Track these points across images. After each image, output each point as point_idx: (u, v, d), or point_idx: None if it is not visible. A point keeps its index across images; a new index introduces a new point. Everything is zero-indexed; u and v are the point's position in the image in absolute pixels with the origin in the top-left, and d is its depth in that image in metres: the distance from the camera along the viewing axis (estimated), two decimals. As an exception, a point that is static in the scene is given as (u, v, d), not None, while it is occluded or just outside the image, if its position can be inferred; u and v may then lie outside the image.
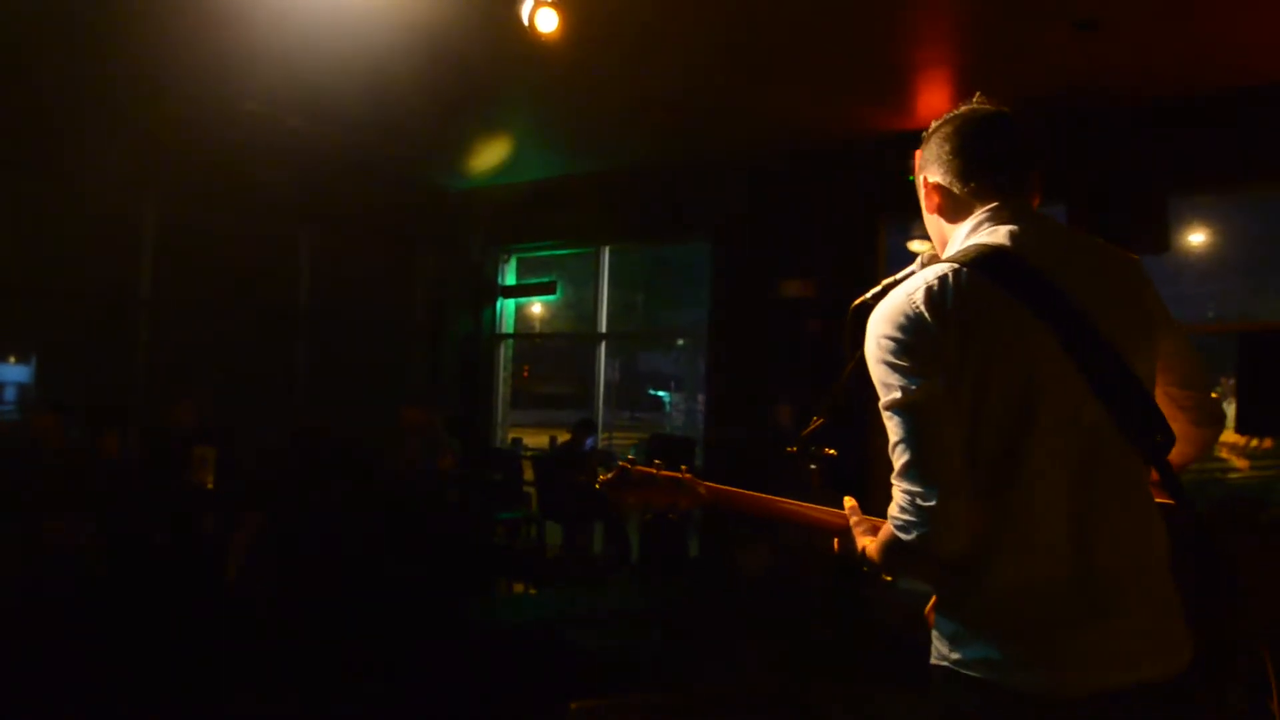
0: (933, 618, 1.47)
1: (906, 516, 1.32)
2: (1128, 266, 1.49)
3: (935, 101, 6.03)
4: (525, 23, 4.46)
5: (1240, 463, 7.07)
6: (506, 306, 8.92)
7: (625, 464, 1.78)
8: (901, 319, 1.39)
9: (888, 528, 1.38)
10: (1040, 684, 1.29)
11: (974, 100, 1.61)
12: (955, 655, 1.36)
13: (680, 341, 11.31)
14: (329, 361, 7.24)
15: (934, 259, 1.89)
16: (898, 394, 1.36)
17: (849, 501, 1.72)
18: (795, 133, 6.53)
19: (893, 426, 1.37)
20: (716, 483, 1.85)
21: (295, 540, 5.72)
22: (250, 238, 6.88)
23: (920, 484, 1.31)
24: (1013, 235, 1.45)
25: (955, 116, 1.60)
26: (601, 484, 1.77)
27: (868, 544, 1.54)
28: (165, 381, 6.52)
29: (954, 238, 1.57)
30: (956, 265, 1.41)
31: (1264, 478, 6.66)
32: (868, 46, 5.15)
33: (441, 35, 4.93)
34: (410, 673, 4.52)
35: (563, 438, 8.28)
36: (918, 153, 1.67)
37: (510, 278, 8.89)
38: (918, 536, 1.31)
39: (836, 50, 5.21)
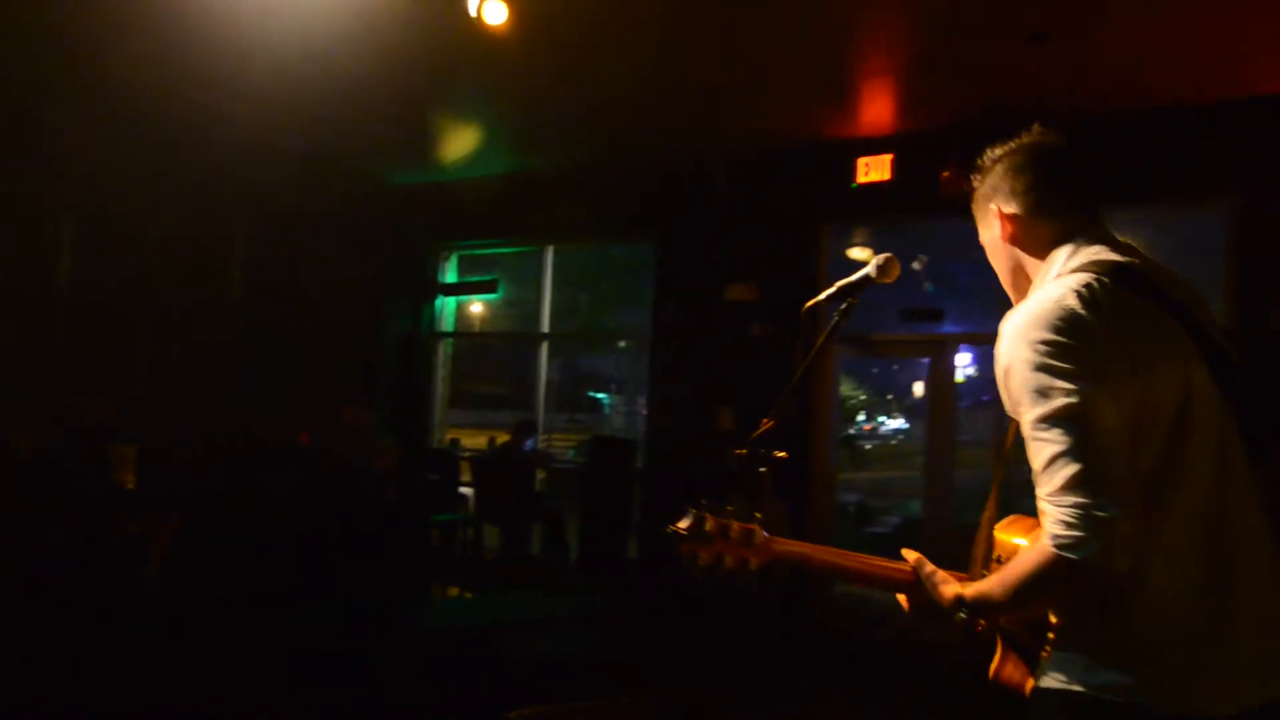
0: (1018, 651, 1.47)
1: (1077, 533, 1.23)
2: (1196, 288, 1.50)
3: (880, 111, 6.12)
4: (473, 15, 4.37)
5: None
6: (447, 304, 8.77)
7: (700, 510, 1.58)
8: (1059, 321, 1.32)
9: (1042, 552, 1.27)
10: (1188, 703, 1.27)
11: (1034, 131, 1.62)
12: (1093, 680, 1.30)
13: (622, 343, 11.26)
14: (262, 357, 7.00)
15: (890, 263, 1.90)
16: (1061, 400, 1.28)
17: (911, 554, 1.61)
18: (741, 137, 6.55)
19: (1051, 436, 1.28)
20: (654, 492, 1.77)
21: (222, 542, 5.50)
22: (180, 228, 6.60)
23: (1094, 495, 1.23)
24: (1120, 252, 1.45)
25: (1023, 148, 1.60)
26: (678, 534, 1.57)
27: (973, 586, 1.45)
28: (85, 377, 6.22)
29: (1052, 263, 1.51)
30: (1095, 274, 1.38)
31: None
32: (814, 54, 5.18)
33: (387, 25, 4.80)
34: (342, 679, 4.37)
35: (502, 438, 8.16)
36: (977, 181, 1.70)
37: (451, 275, 8.74)
38: (1093, 553, 1.22)
39: (783, 56, 5.23)
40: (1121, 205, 5.54)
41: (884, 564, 1.63)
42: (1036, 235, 1.55)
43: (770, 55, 5.22)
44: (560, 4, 4.60)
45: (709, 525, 1.59)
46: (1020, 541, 1.54)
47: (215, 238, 7.03)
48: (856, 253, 7.37)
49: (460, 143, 7.16)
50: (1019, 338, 1.35)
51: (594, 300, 10.09)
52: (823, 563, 1.64)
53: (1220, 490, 1.31)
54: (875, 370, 10.55)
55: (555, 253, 8.26)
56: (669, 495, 6.80)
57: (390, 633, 5.03)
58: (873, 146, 6.25)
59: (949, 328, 6.43)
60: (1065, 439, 1.26)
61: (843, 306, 1.95)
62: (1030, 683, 1.45)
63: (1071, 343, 1.29)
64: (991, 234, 1.64)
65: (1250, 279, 5.11)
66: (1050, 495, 1.26)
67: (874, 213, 6.56)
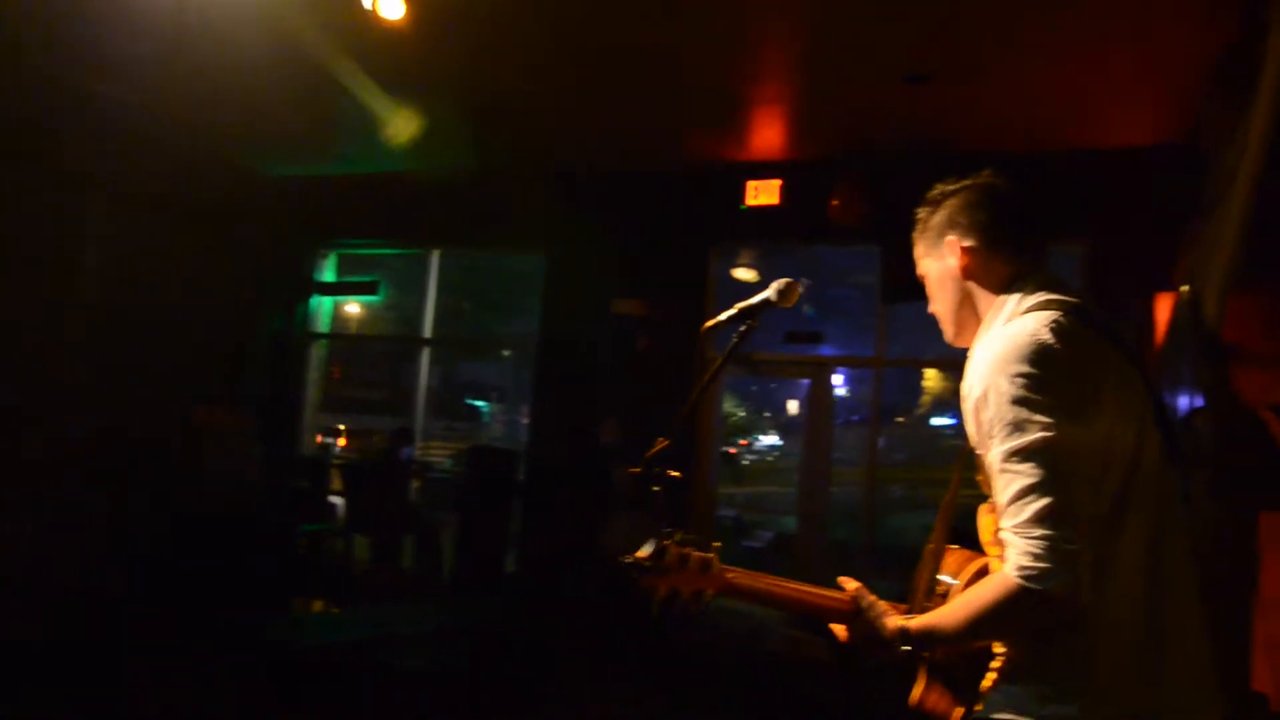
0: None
1: (1044, 564, 1.25)
2: (1148, 317, 1.59)
3: (770, 137, 6.27)
4: (368, 7, 4.22)
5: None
6: (323, 304, 8.41)
7: (665, 541, 1.58)
8: (1036, 355, 1.34)
9: (1005, 583, 1.30)
10: None
11: (985, 174, 1.67)
12: (1041, 712, 1.32)
13: (506, 352, 11.10)
14: (120, 355, 6.49)
15: (790, 288, 1.92)
16: (1036, 434, 1.30)
17: (850, 584, 1.62)
18: (635, 153, 6.58)
19: (1023, 469, 1.30)
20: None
21: (72, 552, 5.07)
22: (29, 218, 6.06)
23: (1061, 528, 1.26)
24: (1071, 293, 1.49)
25: (980, 186, 1.65)
26: (640, 566, 1.55)
27: (920, 619, 1.47)
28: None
29: (1006, 300, 1.54)
30: (1063, 312, 1.40)
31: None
32: (705, 76, 5.25)
33: (275, 7, 4.56)
34: (198, 698, 4.09)
35: (376, 445, 7.88)
36: (927, 213, 1.72)
37: (329, 274, 8.39)
38: (1059, 584, 1.25)
39: (676, 77, 5.28)
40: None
41: (822, 594, 1.65)
42: (991, 270, 1.58)
43: (663, 76, 5.27)
44: (460, 4, 4.50)
45: (669, 555, 1.57)
46: (948, 579, 1.58)
47: (68, 230, 6.49)
48: (741, 273, 7.53)
49: (345, 137, 6.89)
50: (996, 370, 1.37)
51: (478, 307, 9.91)
52: (766, 592, 1.65)
53: (1158, 535, 1.36)
54: (754, 388, 10.79)
55: (441, 257, 8.07)
56: (550, 508, 6.73)
57: (251, 648, 4.75)
58: (762, 171, 6.40)
59: (828, 350, 6.64)
60: (1037, 472, 1.29)
61: (741, 329, 1.95)
62: (958, 712, 1.48)
63: (1048, 377, 1.32)
64: (943, 265, 1.66)
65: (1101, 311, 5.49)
66: (1017, 527, 1.29)
67: (761, 236, 6.71)
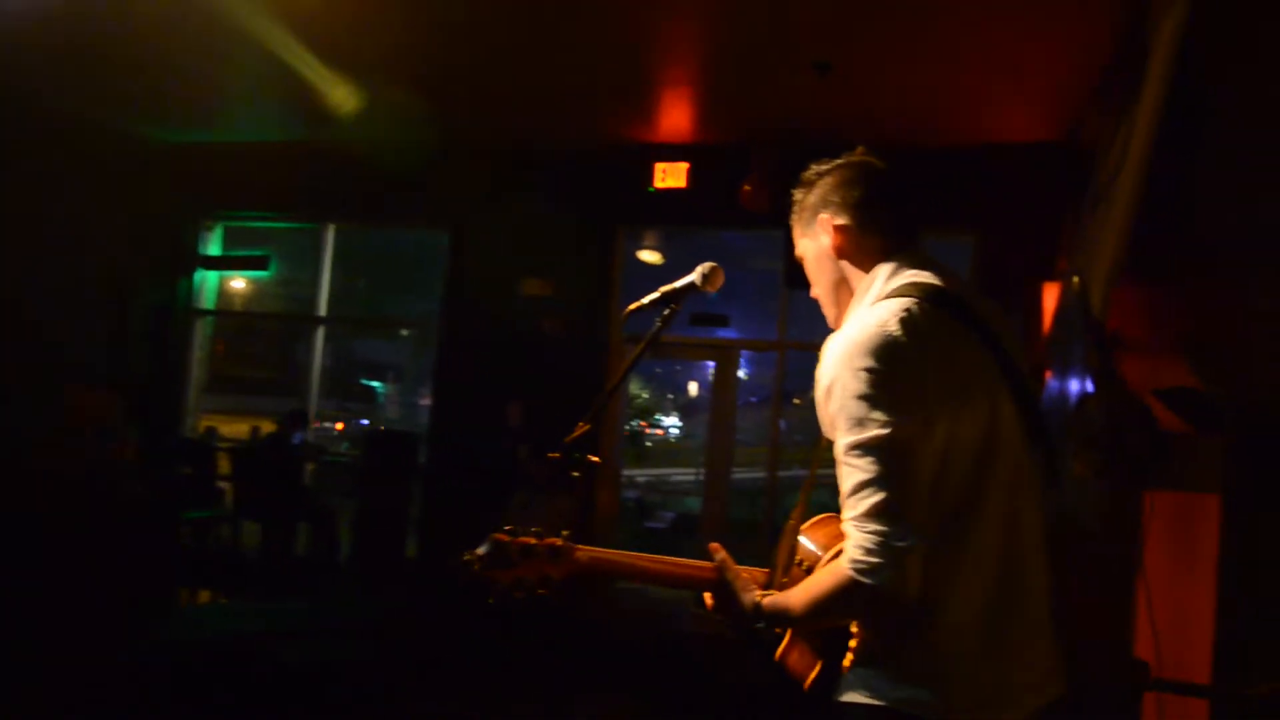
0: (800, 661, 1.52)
1: (873, 559, 1.27)
2: (1002, 312, 1.56)
3: (679, 120, 6.27)
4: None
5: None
6: (208, 279, 7.98)
7: (503, 537, 1.55)
8: (882, 350, 1.33)
9: (839, 574, 1.32)
10: (980, 714, 1.34)
11: (859, 152, 1.65)
12: (894, 695, 1.34)
13: (405, 332, 10.81)
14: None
15: (715, 272, 1.92)
16: (875, 430, 1.31)
17: (719, 554, 1.62)
18: (542, 131, 6.47)
19: (862, 464, 1.31)
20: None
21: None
22: None
23: (894, 524, 1.27)
24: (939, 276, 1.49)
25: (853, 164, 1.63)
26: (476, 563, 1.52)
27: (772, 598, 1.48)
28: None
29: (874, 279, 1.54)
30: (917, 299, 1.40)
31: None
32: (616, 55, 5.20)
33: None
34: (74, 697, 3.83)
35: (267, 428, 7.56)
36: (802, 193, 1.69)
37: (215, 247, 7.96)
38: (885, 580, 1.27)
39: (585, 56, 5.21)
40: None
41: (687, 565, 1.65)
42: (863, 249, 1.58)
43: (572, 54, 5.19)
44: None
45: (511, 549, 1.55)
46: (815, 550, 1.59)
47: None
48: (646, 255, 7.53)
49: (233, 101, 6.52)
50: (842, 363, 1.37)
51: (375, 285, 9.61)
52: (625, 566, 1.66)
53: (1014, 516, 1.39)
54: (658, 370, 10.86)
55: (337, 232, 7.77)
56: (453, 491, 6.61)
57: (131, 643, 4.49)
58: (671, 153, 6.41)
59: (733, 334, 6.73)
60: (875, 468, 1.30)
61: (665, 312, 1.93)
62: (813, 673, 1.51)
63: (892, 372, 1.32)
64: (817, 245, 1.65)
65: (989, 295, 5.75)
66: (854, 520, 1.31)
67: (668, 218, 6.72)
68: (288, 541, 6.74)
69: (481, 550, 1.55)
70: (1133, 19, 3.91)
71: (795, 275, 6.41)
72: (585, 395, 6.42)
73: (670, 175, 6.44)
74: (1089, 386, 2.64)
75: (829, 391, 1.38)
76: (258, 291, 8.93)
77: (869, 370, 1.33)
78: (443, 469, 6.79)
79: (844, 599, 1.32)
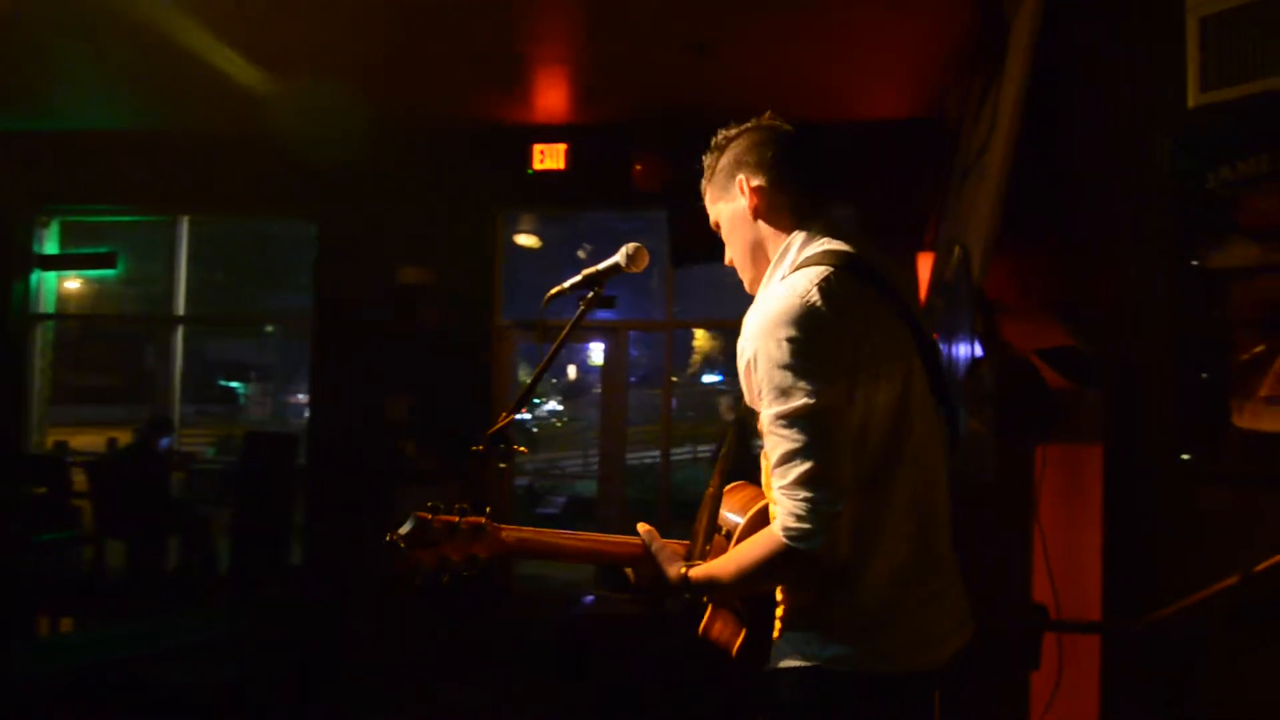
0: (725, 631, 1.53)
1: (805, 525, 1.30)
2: (907, 274, 1.63)
3: (556, 100, 6.19)
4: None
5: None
6: (45, 280, 7.32)
7: (425, 514, 1.52)
8: (803, 319, 1.35)
9: (772, 540, 1.34)
10: (906, 664, 1.39)
11: (767, 116, 1.67)
12: (823, 654, 1.39)
13: (269, 328, 10.28)
14: None
15: (639, 253, 1.90)
16: (802, 399, 1.32)
17: (644, 528, 1.63)
18: (416, 114, 6.24)
19: (789, 434, 1.33)
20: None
21: None
22: None
23: (824, 490, 1.30)
24: (851, 242, 1.50)
25: (763, 127, 1.65)
26: (400, 541, 1.51)
27: (701, 568, 1.50)
28: None
29: (789, 245, 1.55)
30: (832, 267, 1.41)
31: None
32: (486, 34, 5.06)
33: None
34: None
35: (125, 438, 7.04)
36: (713, 158, 1.70)
37: (52, 245, 7.30)
38: (820, 545, 1.29)
39: (455, 33, 5.03)
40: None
41: (612, 540, 1.67)
42: (778, 211, 1.59)
43: (441, 30, 5.00)
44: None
45: (434, 526, 1.54)
46: (735, 517, 1.61)
47: None
48: (523, 239, 7.44)
49: (68, 85, 5.97)
50: (764, 333, 1.39)
51: (233, 280, 9.07)
52: (553, 545, 1.65)
53: (926, 480, 1.46)
54: (536, 354, 10.78)
55: (192, 224, 7.27)
56: (337, 491, 6.34)
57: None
58: (549, 135, 6.32)
59: (621, 315, 6.73)
60: (801, 437, 1.33)
61: (588, 295, 1.91)
62: (741, 636, 1.53)
63: (813, 342, 1.35)
64: (733, 207, 1.64)
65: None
66: (783, 489, 1.34)
67: (548, 200, 6.64)
68: (158, 557, 6.31)
69: (404, 529, 1.52)
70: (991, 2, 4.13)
71: (681, 255, 6.46)
72: (470, 385, 6.39)
73: (549, 157, 6.36)
74: (978, 350, 2.77)
75: (752, 363, 1.40)
76: (103, 292, 8.25)
77: (791, 340, 1.35)
78: (324, 469, 6.51)
79: (778, 565, 1.35)
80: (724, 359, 12.49)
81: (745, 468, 1.75)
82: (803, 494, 1.31)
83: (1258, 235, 2.27)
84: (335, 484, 6.37)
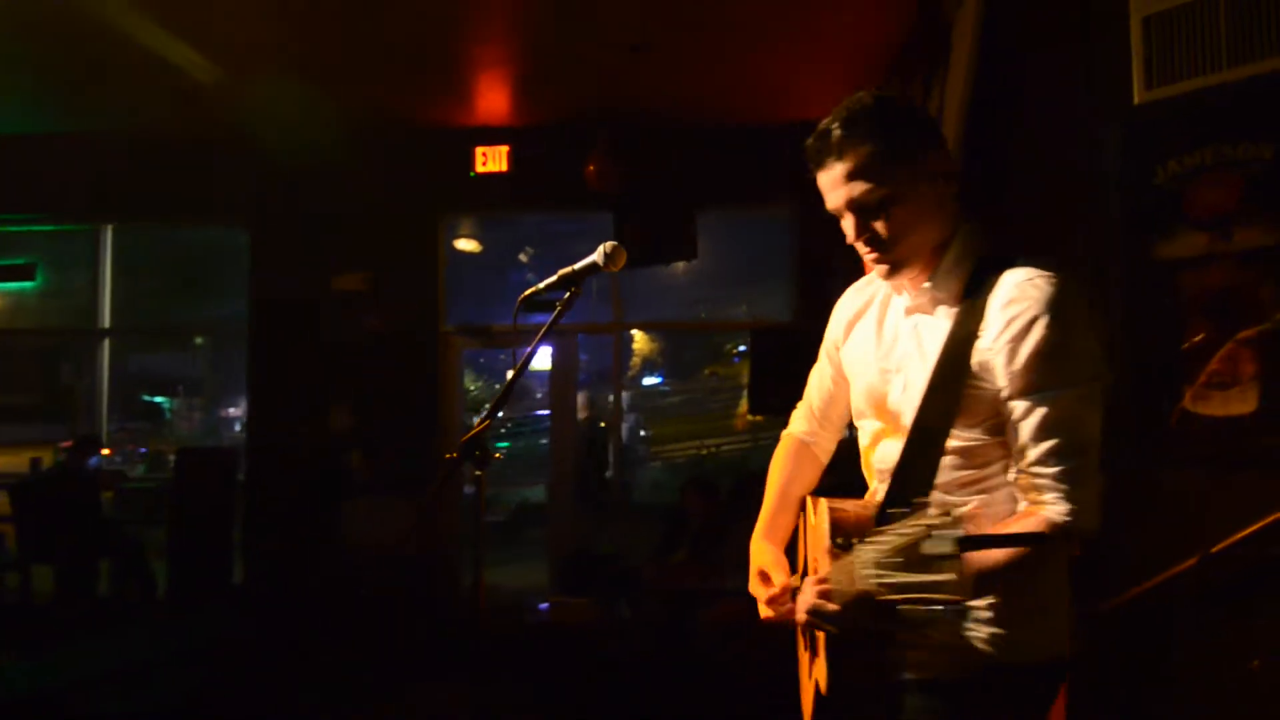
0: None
1: (1085, 504, 1.33)
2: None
3: (497, 101, 6.11)
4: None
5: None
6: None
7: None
8: (1085, 306, 1.37)
9: (1042, 521, 1.32)
10: (1068, 648, 1.47)
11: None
12: (1036, 628, 1.43)
13: (199, 340, 9.92)
14: None
15: (617, 251, 1.87)
16: (1094, 369, 1.35)
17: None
18: (355, 116, 6.09)
19: (1079, 409, 1.34)
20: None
21: None
22: None
23: (1095, 472, 1.34)
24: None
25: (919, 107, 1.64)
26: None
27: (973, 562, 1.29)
28: None
29: (966, 238, 1.49)
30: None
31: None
32: (427, 32, 4.96)
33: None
34: None
35: (48, 459, 6.72)
36: (878, 129, 1.45)
37: (-39, 258, 6.93)
38: (1094, 523, 1.34)
39: (395, 34, 4.93)
40: (711, 207, 6.24)
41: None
42: (950, 201, 1.49)
43: (381, 31, 4.89)
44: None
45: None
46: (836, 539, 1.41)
47: None
48: (463, 244, 7.32)
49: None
50: (1072, 305, 1.34)
51: (158, 290, 8.71)
52: None
53: None
54: (482, 360, 10.63)
55: (116, 233, 6.97)
56: (279, 506, 6.15)
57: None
58: (491, 137, 6.23)
59: (570, 318, 6.64)
60: (1089, 409, 1.35)
61: (565, 296, 1.87)
62: (824, 678, 1.43)
63: (1092, 328, 1.38)
64: (918, 189, 1.44)
65: (809, 271, 6.07)
66: (1061, 468, 1.33)
67: (491, 203, 6.55)
68: (90, 581, 6.02)
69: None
70: (931, 3, 4.22)
71: (630, 254, 6.44)
72: (415, 392, 6.26)
73: (492, 159, 6.27)
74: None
75: (1049, 342, 1.33)
76: (21, 305, 7.85)
77: (1087, 322, 1.36)
78: (265, 484, 6.30)
79: (1051, 547, 1.36)
80: (664, 361, 12.49)
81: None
82: (1082, 473, 1.34)
83: (1204, 226, 2.35)
84: (277, 499, 6.17)
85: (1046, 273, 1.37)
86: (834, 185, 1.48)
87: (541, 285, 1.92)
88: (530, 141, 6.24)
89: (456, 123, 6.23)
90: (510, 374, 1.95)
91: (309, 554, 5.90)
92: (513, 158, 6.26)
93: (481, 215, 6.92)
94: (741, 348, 10.60)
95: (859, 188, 1.44)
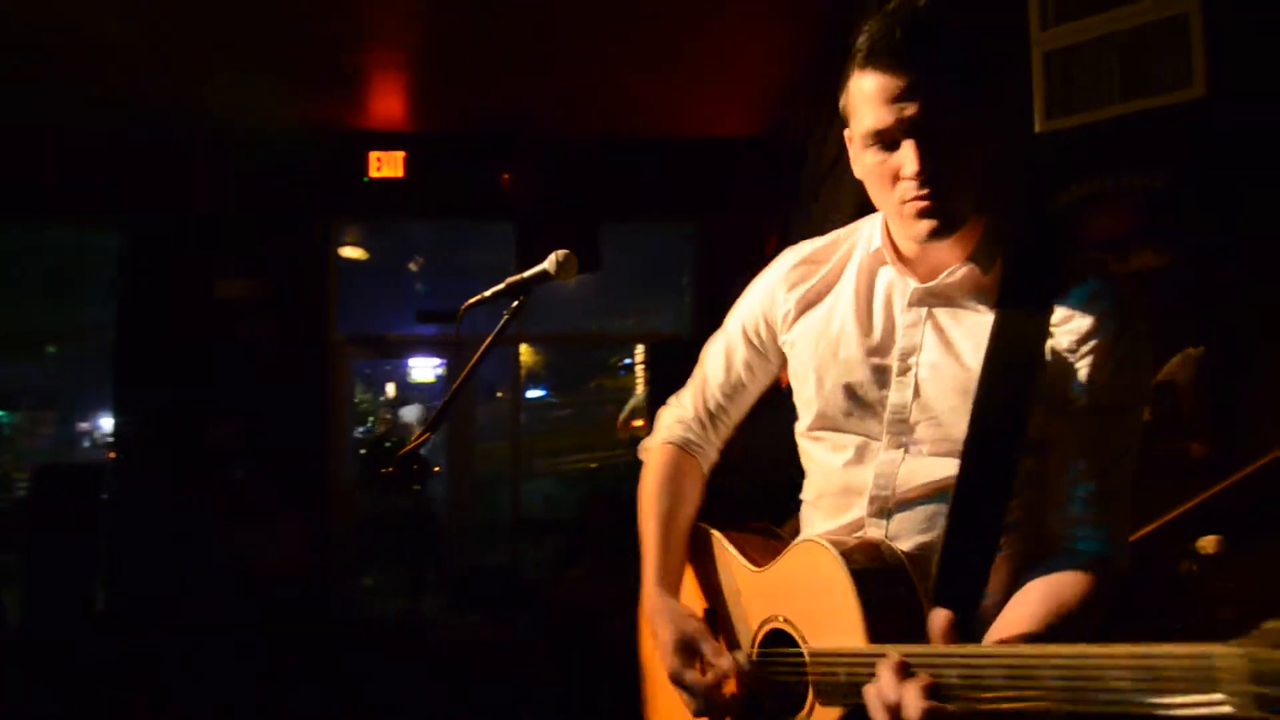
0: None
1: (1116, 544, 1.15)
2: None
3: (391, 105, 5.95)
4: None
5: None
6: None
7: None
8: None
9: (1091, 583, 1.09)
10: None
11: None
12: None
13: (51, 348, 9.18)
14: None
15: (570, 260, 1.83)
16: (1143, 404, 1.19)
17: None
18: (237, 114, 5.75)
19: (1136, 437, 1.15)
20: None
21: None
22: None
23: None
24: None
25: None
26: None
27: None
28: None
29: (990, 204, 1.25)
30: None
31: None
32: (323, 33, 4.77)
33: None
34: None
35: None
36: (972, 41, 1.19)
37: None
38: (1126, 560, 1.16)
39: (277, 23, 4.69)
40: (612, 221, 6.25)
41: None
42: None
43: (262, 23, 4.65)
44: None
45: None
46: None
47: None
48: (348, 251, 7.08)
49: None
50: (1144, 316, 1.15)
51: (12, 296, 8.00)
52: None
53: None
54: (368, 371, 10.26)
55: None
56: (151, 527, 5.73)
57: None
58: (388, 141, 6.05)
59: (464, 329, 6.50)
60: (1137, 435, 1.17)
61: (514, 304, 1.83)
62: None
63: None
64: (997, 134, 1.21)
65: (708, 287, 6.16)
66: (1113, 499, 1.15)
67: (385, 210, 6.35)
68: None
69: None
70: (832, 27, 4.37)
71: (532, 264, 6.36)
72: (303, 405, 5.97)
73: (386, 165, 6.08)
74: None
75: (1129, 356, 1.13)
76: None
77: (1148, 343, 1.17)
78: (133, 504, 5.85)
79: (1097, 601, 1.11)
80: (548, 374, 12.43)
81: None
82: (1121, 508, 1.16)
83: (1101, 249, 2.53)
84: (148, 519, 5.75)
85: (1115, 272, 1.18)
86: (910, 95, 1.10)
87: (488, 293, 1.87)
88: (428, 148, 6.09)
89: (353, 126, 6.01)
90: (453, 385, 1.88)
91: (182, 577, 5.53)
92: (409, 164, 6.09)
93: (374, 222, 6.70)
94: (627, 360, 10.66)
95: (949, 106, 1.09)
